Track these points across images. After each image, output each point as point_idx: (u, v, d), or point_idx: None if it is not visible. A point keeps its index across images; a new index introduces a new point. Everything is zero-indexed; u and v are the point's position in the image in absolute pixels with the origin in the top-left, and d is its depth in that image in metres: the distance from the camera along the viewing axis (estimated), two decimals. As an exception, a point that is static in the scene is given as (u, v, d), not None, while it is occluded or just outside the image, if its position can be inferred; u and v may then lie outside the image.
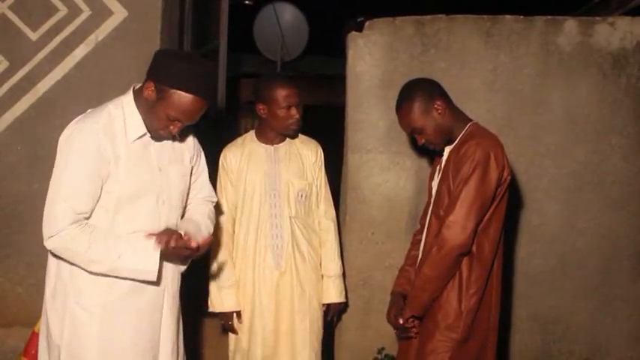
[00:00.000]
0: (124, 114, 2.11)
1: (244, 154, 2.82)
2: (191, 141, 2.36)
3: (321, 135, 2.98)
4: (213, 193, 2.52)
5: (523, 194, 3.15)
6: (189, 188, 2.36)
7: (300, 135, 2.90)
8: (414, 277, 2.44)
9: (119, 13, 3.08)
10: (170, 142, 2.26)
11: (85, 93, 3.07)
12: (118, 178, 2.08)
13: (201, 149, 2.43)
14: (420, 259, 2.45)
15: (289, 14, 7.33)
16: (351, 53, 3.17)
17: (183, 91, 2.03)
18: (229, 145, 2.90)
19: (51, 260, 2.18)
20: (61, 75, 3.08)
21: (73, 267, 2.09)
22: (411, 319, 2.41)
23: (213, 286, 2.82)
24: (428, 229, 2.47)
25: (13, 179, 3.10)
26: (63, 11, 3.08)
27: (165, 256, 2.12)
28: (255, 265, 2.79)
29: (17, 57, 3.09)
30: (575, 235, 3.18)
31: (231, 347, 2.90)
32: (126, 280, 2.11)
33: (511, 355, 3.22)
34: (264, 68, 7.26)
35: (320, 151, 2.91)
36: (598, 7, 4.87)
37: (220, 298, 2.80)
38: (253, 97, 2.82)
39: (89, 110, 2.16)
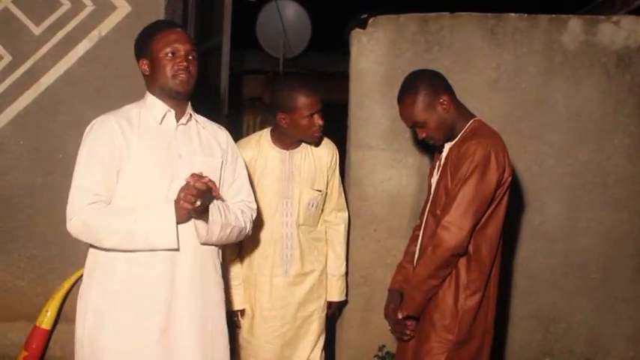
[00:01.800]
0: (143, 106, 2.23)
1: (259, 158, 2.76)
2: (224, 139, 2.38)
3: (323, 131, 2.98)
4: (252, 199, 2.43)
5: (525, 193, 3.15)
6: (219, 184, 2.29)
7: None
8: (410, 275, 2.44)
9: (122, 8, 3.08)
10: (197, 134, 2.29)
11: (87, 88, 3.07)
12: (130, 160, 2.13)
13: (238, 153, 2.44)
14: (417, 259, 2.43)
15: (292, 11, 7.32)
16: (354, 50, 3.16)
17: (157, 33, 2.18)
18: (242, 144, 2.80)
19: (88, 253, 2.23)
20: (64, 70, 3.07)
21: (97, 257, 2.14)
22: (408, 320, 2.39)
23: None
24: (425, 227, 2.45)
25: (15, 173, 3.10)
26: (66, 6, 3.07)
27: (177, 203, 2.05)
28: (263, 272, 2.79)
29: (20, 51, 3.09)
30: (577, 234, 3.18)
31: (237, 338, 2.92)
32: (138, 266, 2.11)
33: (512, 354, 3.22)
34: (267, 65, 7.26)
35: (336, 153, 2.88)
36: (602, 6, 4.86)
37: (228, 296, 2.81)
38: (272, 105, 2.73)
39: None
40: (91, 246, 2.16)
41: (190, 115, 2.29)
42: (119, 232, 2.05)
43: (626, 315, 3.21)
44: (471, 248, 2.27)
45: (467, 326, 2.28)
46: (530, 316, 3.22)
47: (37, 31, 3.08)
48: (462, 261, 2.28)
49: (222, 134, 2.40)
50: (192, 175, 2.02)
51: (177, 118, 2.24)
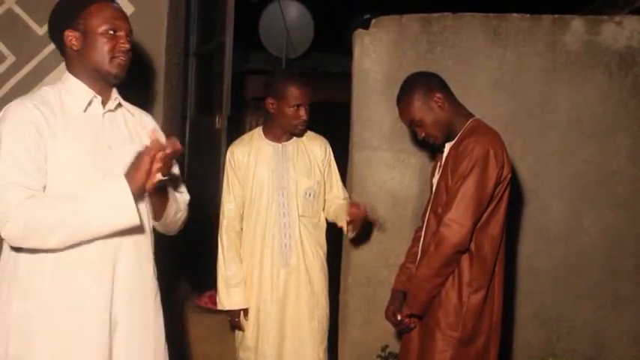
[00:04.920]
0: (63, 89, 1.96)
1: (252, 152, 2.82)
2: (151, 126, 2.11)
3: (325, 132, 2.99)
4: (185, 190, 2.22)
5: (528, 193, 3.15)
6: None
7: (307, 132, 2.90)
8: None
9: (126, 9, 3.05)
10: (124, 121, 2.05)
11: (91, 88, 3.08)
12: (55, 154, 1.85)
13: (163, 135, 2.10)
14: (419, 258, 2.45)
15: (295, 11, 7.33)
16: (357, 50, 3.17)
17: (92, 4, 1.91)
18: (236, 142, 2.91)
19: None
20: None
21: (19, 260, 1.85)
22: (410, 318, 2.41)
23: (220, 284, 2.83)
24: (426, 226, 2.47)
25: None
26: (70, 6, 3.08)
27: (133, 175, 1.82)
28: (263, 264, 2.79)
29: (24, 52, 3.10)
30: (579, 234, 3.18)
31: (237, 344, 2.91)
32: (73, 271, 1.85)
33: (514, 354, 3.22)
34: (270, 65, 7.26)
35: (328, 147, 2.93)
36: (605, 6, 4.86)
37: (228, 295, 2.81)
38: (264, 91, 2.84)
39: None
40: (12, 248, 1.85)
41: (118, 101, 2.04)
42: (70, 221, 1.77)
43: (630, 315, 3.21)
44: (472, 246, 2.29)
45: (471, 323, 2.30)
46: (533, 315, 3.22)
47: (40, 31, 3.08)
48: (465, 258, 2.30)
49: (148, 120, 2.15)
50: (157, 139, 1.82)
51: (104, 104, 1.99)
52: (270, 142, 2.84)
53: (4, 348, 1.83)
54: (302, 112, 2.75)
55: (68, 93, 1.94)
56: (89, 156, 1.90)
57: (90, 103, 1.95)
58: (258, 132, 2.90)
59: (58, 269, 1.85)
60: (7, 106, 1.88)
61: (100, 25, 1.91)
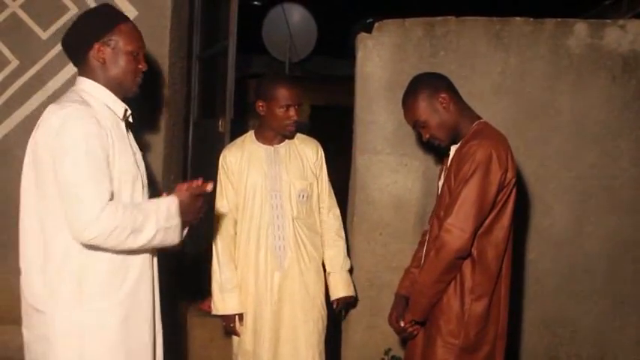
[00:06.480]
0: (95, 98, 2.04)
1: (244, 155, 2.82)
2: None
3: (328, 135, 2.98)
4: None
5: (531, 197, 3.15)
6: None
7: (298, 134, 2.90)
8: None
9: (129, 13, 3.08)
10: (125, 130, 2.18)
11: (94, 92, 3.09)
12: (114, 161, 1.98)
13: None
14: (422, 263, 2.42)
15: (298, 15, 7.34)
16: (360, 54, 3.17)
17: (120, 24, 2.06)
18: (229, 146, 2.91)
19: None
20: (71, 74, 3.08)
21: (82, 267, 1.94)
22: (412, 323, 2.38)
23: (215, 289, 2.82)
24: (430, 230, 2.44)
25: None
26: (73, 10, 3.09)
27: (182, 209, 2.02)
28: (258, 267, 2.78)
29: (27, 56, 3.11)
30: (583, 238, 3.17)
31: (235, 350, 2.89)
32: (135, 268, 2.04)
33: (518, 358, 3.21)
34: (273, 69, 7.27)
35: (320, 150, 2.92)
36: (608, 10, 4.86)
37: (223, 300, 2.80)
38: (255, 94, 2.85)
39: (63, 100, 1.99)
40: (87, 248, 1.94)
41: (129, 111, 2.18)
42: (145, 231, 1.92)
43: (633, 319, 3.20)
44: (475, 252, 2.25)
45: (474, 332, 2.26)
46: (537, 320, 3.21)
47: (44, 35, 3.10)
48: (467, 264, 2.26)
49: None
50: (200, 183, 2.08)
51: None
52: (262, 145, 2.83)
53: (78, 347, 1.96)
54: (292, 112, 2.74)
55: (107, 103, 2.07)
56: (131, 161, 2.08)
57: (125, 113, 2.12)
58: (250, 135, 2.89)
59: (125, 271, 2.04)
60: (66, 113, 1.91)
61: (129, 44, 2.07)
